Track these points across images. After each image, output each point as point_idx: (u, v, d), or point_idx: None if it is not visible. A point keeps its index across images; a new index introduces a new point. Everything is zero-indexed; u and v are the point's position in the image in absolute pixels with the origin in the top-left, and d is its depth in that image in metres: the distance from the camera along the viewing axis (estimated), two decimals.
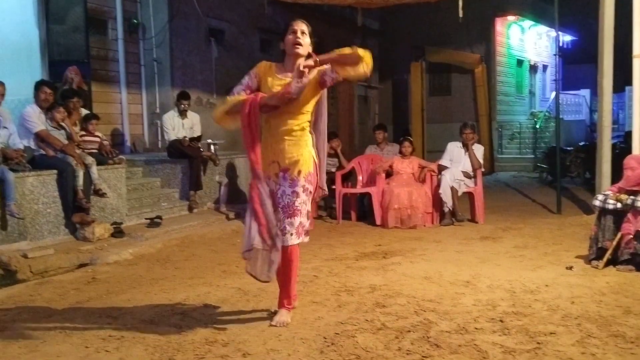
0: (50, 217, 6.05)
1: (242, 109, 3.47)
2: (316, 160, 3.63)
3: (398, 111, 17.87)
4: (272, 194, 3.53)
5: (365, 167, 8.24)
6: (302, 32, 3.51)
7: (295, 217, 3.50)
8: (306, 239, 3.62)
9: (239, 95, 3.58)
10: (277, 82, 3.52)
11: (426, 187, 7.58)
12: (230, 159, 8.73)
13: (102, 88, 9.59)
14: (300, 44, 3.48)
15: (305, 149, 3.55)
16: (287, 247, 3.52)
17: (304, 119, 3.55)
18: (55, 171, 6.09)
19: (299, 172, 3.51)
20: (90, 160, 6.38)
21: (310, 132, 3.62)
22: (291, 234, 3.50)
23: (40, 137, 6.23)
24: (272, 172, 3.54)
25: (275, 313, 3.70)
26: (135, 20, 10.16)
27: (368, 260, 5.42)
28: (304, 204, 3.53)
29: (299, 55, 3.49)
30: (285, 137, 3.51)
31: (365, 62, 3.28)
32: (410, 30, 17.21)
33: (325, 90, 3.60)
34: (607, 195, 5.04)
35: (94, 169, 6.39)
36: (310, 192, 3.58)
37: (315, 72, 3.43)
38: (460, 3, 7.95)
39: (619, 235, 4.83)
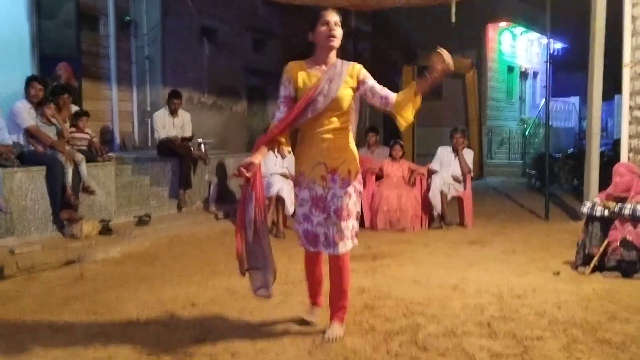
0: (38, 214, 6.00)
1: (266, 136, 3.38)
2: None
3: (389, 114, 17.90)
4: (320, 199, 3.32)
5: None
6: (336, 24, 3.27)
7: (349, 220, 3.32)
8: (356, 242, 3.41)
9: (281, 113, 3.36)
10: (311, 76, 3.32)
11: (416, 191, 7.61)
12: (221, 159, 8.70)
13: (93, 85, 9.53)
14: (334, 36, 3.27)
15: (350, 148, 3.40)
16: (339, 256, 3.33)
17: (346, 117, 3.38)
18: (44, 167, 6.04)
19: (349, 171, 3.33)
20: (79, 157, 6.33)
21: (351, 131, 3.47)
22: (348, 239, 3.32)
23: (29, 133, 6.17)
24: (318, 174, 3.32)
25: (309, 320, 3.59)
26: (127, 17, 10.11)
27: (357, 262, 5.42)
28: (354, 205, 3.35)
29: (332, 48, 3.31)
30: (331, 136, 3.32)
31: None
32: (403, 34, 17.26)
33: (371, 77, 3.41)
34: (595, 202, 5.09)
35: (84, 166, 6.35)
36: (360, 192, 3.42)
37: (353, 72, 3.33)
38: (453, 8, 7.99)
39: (605, 242, 4.88)
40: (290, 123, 3.31)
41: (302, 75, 3.34)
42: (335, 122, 3.33)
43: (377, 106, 3.40)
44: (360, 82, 3.36)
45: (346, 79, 3.31)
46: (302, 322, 3.64)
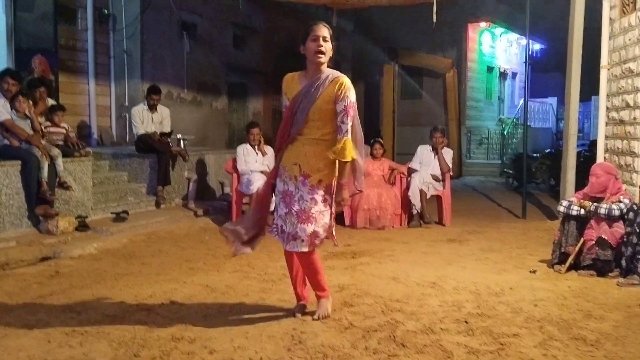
0: (12, 209, 5.90)
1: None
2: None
3: (369, 112, 17.98)
4: (289, 194, 3.48)
5: None
6: (324, 39, 3.37)
7: (309, 224, 3.41)
8: (310, 249, 3.48)
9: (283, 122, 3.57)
10: (299, 88, 3.46)
11: (395, 189, 7.64)
12: (200, 155, 8.65)
13: (70, 79, 9.40)
14: (323, 53, 3.37)
15: (327, 161, 3.44)
16: (298, 253, 3.51)
17: (327, 130, 3.44)
18: (19, 162, 5.94)
19: (320, 181, 3.44)
20: (56, 152, 6.24)
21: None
22: (302, 240, 3.42)
23: (4, 127, 6.06)
24: (293, 173, 3.47)
25: (298, 312, 3.72)
26: (105, 11, 9.98)
27: (337, 260, 5.44)
28: (320, 213, 3.44)
29: (320, 64, 3.40)
30: (311, 145, 3.44)
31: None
32: (384, 33, 17.33)
33: (348, 99, 3.39)
34: (571, 202, 5.16)
35: (60, 161, 6.25)
36: (330, 204, 3.49)
37: (337, 84, 3.40)
38: (435, 7, 8.03)
39: (581, 241, 4.95)
40: (284, 132, 3.52)
41: (293, 87, 3.49)
42: (315, 133, 3.44)
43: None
44: (336, 100, 3.40)
45: (326, 92, 3.39)
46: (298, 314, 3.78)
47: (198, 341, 3.29)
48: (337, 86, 3.38)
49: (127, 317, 3.71)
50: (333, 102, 3.39)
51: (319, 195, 3.44)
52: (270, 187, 3.65)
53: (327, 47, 3.38)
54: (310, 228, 3.42)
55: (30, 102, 6.35)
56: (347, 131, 3.40)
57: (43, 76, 7.56)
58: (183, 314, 3.79)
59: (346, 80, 3.41)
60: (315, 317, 3.63)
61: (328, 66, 3.49)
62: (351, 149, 3.40)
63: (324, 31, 3.36)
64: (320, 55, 3.36)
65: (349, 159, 3.41)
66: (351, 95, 3.41)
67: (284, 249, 3.61)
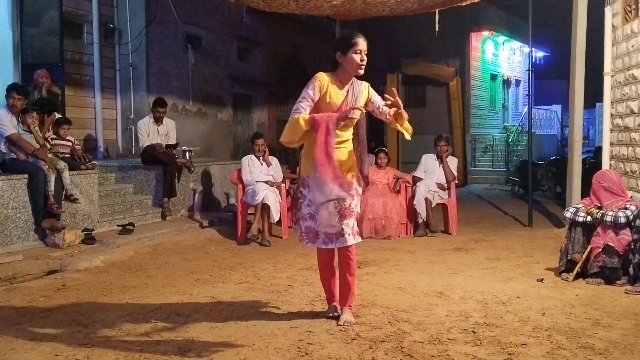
0: (19, 222, 5.93)
1: (319, 128, 3.48)
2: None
3: (374, 122, 17.99)
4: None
5: None
6: (366, 54, 3.63)
7: (350, 218, 3.65)
8: (360, 239, 3.75)
9: (305, 112, 3.56)
10: (338, 93, 3.65)
11: (401, 198, 7.64)
12: (206, 167, 8.67)
13: (76, 92, 9.47)
14: (363, 65, 3.62)
15: (352, 156, 3.76)
16: (347, 247, 3.69)
17: (352, 130, 3.77)
18: (26, 176, 5.97)
19: (352, 175, 3.72)
20: (62, 165, 6.27)
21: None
22: (349, 234, 3.64)
23: (11, 141, 6.10)
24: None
25: (330, 314, 3.90)
26: (111, 25, 10.07)
27: None
28: (356, 206, 3.71)
29: (360, 74, 3.67)
30: (341, 147, 3.68)
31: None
32: (387, 42, 17.36)
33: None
34: (578, 208, 5.14)
35: (66, 174, 6.28)
36: (360, 194, 3.77)
37: (365, 90, 3.76)
38: (437, 17, 8.06)
39: (588, 248, 4.93)
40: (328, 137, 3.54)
41: (332, 89, 3.64)
42: (345, 135, 3.71)
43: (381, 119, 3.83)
44: (369, 100, 3.78)
45: (362, 97, 3.73)
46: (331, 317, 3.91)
47: (204, 354, 3.29)
48: (366, 89, 3.76)
49: (134, 330, 3.71)
50: (365, 104, 3.75)
51: (354, 189, 3.69)
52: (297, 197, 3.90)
53: (366, 60, 3.65)
54: (351, 222, 3.66)
55: (37, 118, 6.38)
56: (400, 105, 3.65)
57: (49, 90, 7.61)
58: (189, 326, 3.79)
59: (367, 83, 3.81)
60: (341, 322, 3.77)
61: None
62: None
63: (365, 45, 3.62)
64: (361, 68, 3.62)
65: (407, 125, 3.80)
66: None
67: (320, 253, 3.80)
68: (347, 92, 3.68)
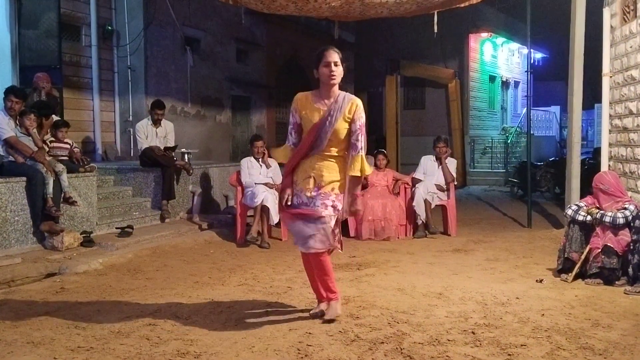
0: (18, 225, 5.92)
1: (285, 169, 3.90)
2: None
3: (373, 123, 18.02)
4: (304, 204, 3.76)
5: None
6: (335, 64, 3.68)
7: (321, 225, 3.68)
8: (336, 246, 3.84)
9: (295, 140, 3.86)
10: (314, 110, 3.73)
11: (400, 200, 7.63)
12: (205, 169, 8.66)
13: (74, 95, 9.46)
14: (335, 77, 3.68)
15: (341, 173, 3.78)
16: (312, 254, 3.76)
17: (342, 146, 3.77)
18: (24, 178, 5.96)
19: (332, 189, 3.74)
20: (60, 167, 6.26)
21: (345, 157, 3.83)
22: (316, 240, 3.69)
23: (9, 144, 6.09)
24: (307, 186, 3.74)
25: (315, 312, 3.94)
26: (109, 27, 10.07)
27: (342, 271, 5.42)
28: (330, 216, 3.71)
29: (334, 85, 3.71)
30: (325, 160, 3.74)
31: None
32: (386, 44, 17.43)
33: (362, 119, 3.75)
34: (580, 207, 5.13)
35: (65, 177, 6.27)
36: (338, 210, 3.77)
37: (350, 107, 3.73)
38: (435, 18, 8.06)
39: (587, 249, 4.93)
40: (302, 151, 3.77)
41: (307, 107, 3.76)
42: (332, 151, 3.74)
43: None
44: (351, 121, 3.73)
45: (344, 114, 3.71)
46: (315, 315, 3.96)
47: (203, 356, 3.28)
48: (352, 107, 3.73)
49: (133, 332, 3.70)
50: (349, 122, 3.72)
51: (330, 200, 3.72)
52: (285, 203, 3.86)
53: (339, 71, 3.69)
54: (328, 228, 3.70)
55: (35, 120, 6.37)
56: (361, 148, 3.73)
57: (49, 93, 7.61)
58: (188, 328, 3.78)
59: (359, 102, 3.77)
60: (326, 318, 3.84)
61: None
62: (365, 164, 3.75)
63: (335, 56, 3.68)
64: (333, 79, 3.68)
65: (366, 173, 3.78)
66: (363, 115, 3.77)
67: (303, 254, 3.90)
68: (327, 107, 3.71)
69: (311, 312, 4.00)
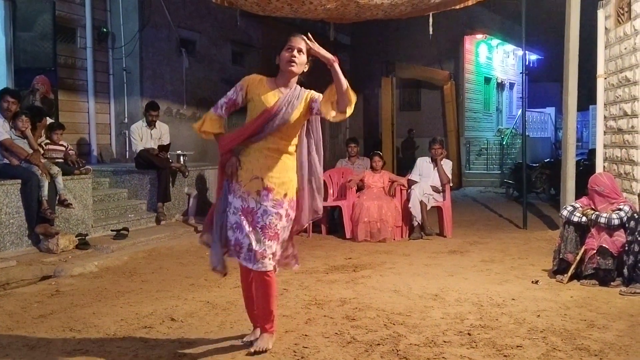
0: (13, 228, 5.89)
1: (219, 145, 3.37)
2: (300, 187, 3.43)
3: (368, 125, 18.05)
4: (250, 212, 3.26)
5: (336, 181, 8.27)
6: (299, 50, 3.27)
7: (274, 241, 3.26)
8: (272, 265, 3.30)
9: (221, 112, 3.38)
10: (269, 94, 3.31)
11: (396, 201, 7.64)
12: (200, 171, 8.65)
13: (69, 97, 9.44)
14: (294, 62, 3.27)
15: (291, 172, 3.37)
16: (264, 272, 3.25)
17: (292, 142, 3.37)
18: (19, 181, 5.94)
19: (285, 195, 3.31)
20: (55, 170, 6.24)
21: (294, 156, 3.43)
22: (264, 258, 3.22)
23: (4, 146, 6.07)
24: (254, 189, 3.27)
25: (249, 340, 3.46)
26: (104, 29, 10.06)
27: (338, 273, 5.43)
28: (283, 229, 3.32)
29: (292, 73, 3.32)
30: (274, 155, 3.30)
31: (351, 106, 3.20)
32: (381, 46, 17.44)
33: (318, 117, 3.41)
34: (575, 208, 5.15)
35: (60, 179, 6.26)
36: (291, 219, 3.38)
37: (306, 97, 3.32)
38: (431, 20, 8.08)
39: (582, 250, 4.94)
40: (245, 139, 3.31)
41: (260, 90, 3.33)
42: (281, 144, 3.32)
43: (327, 118, 3.29)
44: (311, 101, 3.31)
45: (300, 105, 3.31)
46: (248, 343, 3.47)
47: (200, 358, 3.27)
48: (307, 96, 3.33)
49: (128, 335, 3.69)
50: (304, 114, 3.33)
51: (284, 209, 3.29)
52: (222, 204, 3.40)
53: (301, 59, 3.29)
54: (274, 245, 3.27)
55: (29, 122, 6.35)
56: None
57: (46, 96, 7.59)
58: (184, 331, 3.77)
59: (315, 93, 3.35)
60: (252, 349, 3.32)
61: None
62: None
63: (300, 43, 3.27)
64: (292, 64, 3.27)
65: (352, 97, 3.19)
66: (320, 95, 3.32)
67: (242, 270, 3.43)
68: (284, 95, 3.30)
69: (244, 339, 3.51)
